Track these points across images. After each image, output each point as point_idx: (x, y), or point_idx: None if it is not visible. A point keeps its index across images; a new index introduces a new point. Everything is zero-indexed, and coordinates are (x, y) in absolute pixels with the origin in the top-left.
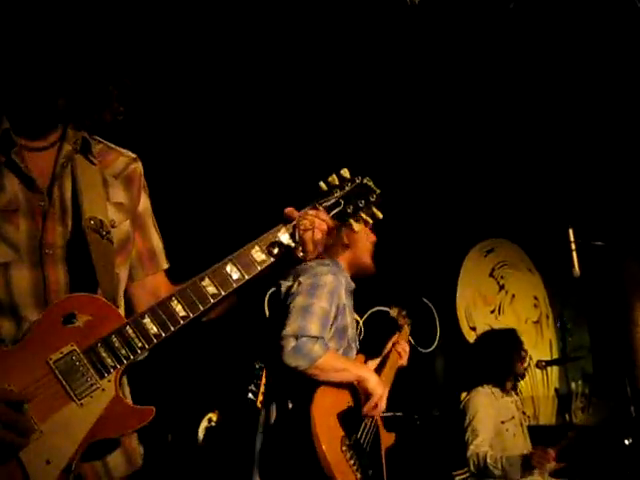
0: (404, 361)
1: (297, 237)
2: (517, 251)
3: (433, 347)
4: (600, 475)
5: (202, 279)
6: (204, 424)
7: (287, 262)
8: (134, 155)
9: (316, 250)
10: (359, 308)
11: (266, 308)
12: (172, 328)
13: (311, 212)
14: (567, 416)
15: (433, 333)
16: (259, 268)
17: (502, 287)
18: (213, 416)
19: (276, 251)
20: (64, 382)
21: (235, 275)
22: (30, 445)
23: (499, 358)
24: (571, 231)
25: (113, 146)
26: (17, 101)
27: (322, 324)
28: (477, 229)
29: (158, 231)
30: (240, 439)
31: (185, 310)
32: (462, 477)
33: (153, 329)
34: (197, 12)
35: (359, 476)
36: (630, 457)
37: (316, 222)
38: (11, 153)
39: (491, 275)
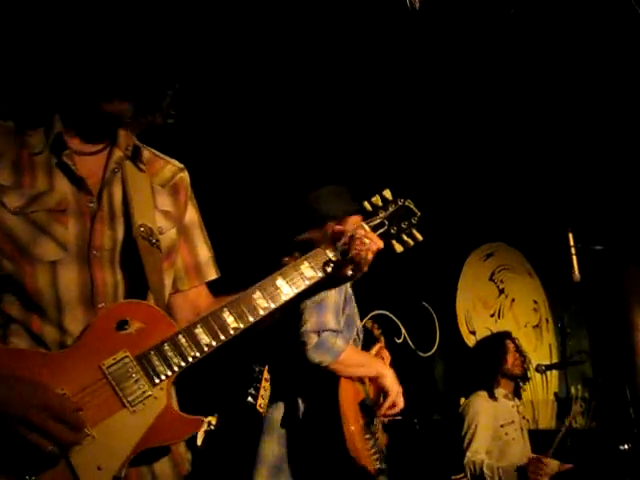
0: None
1: (349, 256)
2: (517, 255)
3: (433, 351)
4: None
5: (253, 292)
6: (203, 428)
7: (334, 280)
8: (181, 165)
9: (361, 268)
10: (359, 312)
11: None
12: (223, 338)
13: (360, 231)
14: (566, 420)
15: (433, 337)
16: (308, 283)
17: (502, 291)
18: (212, 420)
19: (325, 268)
20: (117, 388)
21: (285, 289)
22: (82, 450)
23: (483, 362)
24: (571, 235)
25: (160, 154)
26: (71, 106)
27: (336, 316)
28: (477, 233)
29: (208, 242)
30: (240, 443)
31: (236, 321)
32: None
33: (205, 339)
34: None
35: (377, 466)
36: (629, 462)
37: (367, 242)
38: (62, 155)
39: (491, 279)
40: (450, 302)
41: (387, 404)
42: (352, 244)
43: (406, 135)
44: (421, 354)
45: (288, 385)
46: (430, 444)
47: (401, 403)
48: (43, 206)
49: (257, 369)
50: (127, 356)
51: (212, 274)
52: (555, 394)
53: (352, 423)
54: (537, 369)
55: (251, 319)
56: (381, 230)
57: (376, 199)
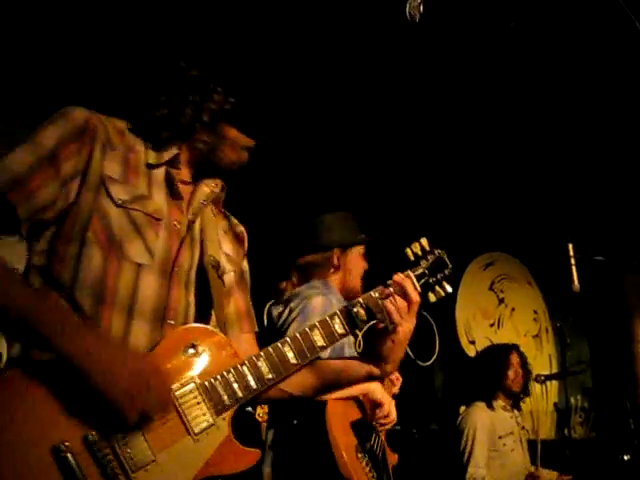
0: (396, 389)
1: (381, 305)
2: (517, 265)
3: (432, 360)
4: None
5: (312, 329)
6: None
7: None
8: (240, 223)
9: (405, 322)
10: None
11: (265, 319)
12: (283, 374)
13: (397, 278)
14: (566, 430)
15: (432, 346)
16: (360, 326)
17: (502, 301)
18: None
19: (377, 314)
20: (184, 415)
21: (340, 330)
22: (147, 476)
23: (484, 375)
24: (571, 246)
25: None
26: (201, 148)
27: None
28: (476, 242)
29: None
30: None
31: (296, 358)
32: None
33: (267, 373)
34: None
35: None
36: (629, 472)
37: (407, 288)
38: (172, 172)
39: (491, 289)
40: (449, 311)
41: (382, 414)
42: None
43: (407, 146)
44: (420, 363)
45: (284, 406)
46: (429, 454)
47: (394, 414)
48: (143, 208)
49: None
50: (194, 383)
51: (255, 328)
52: (555, 404)
53: (343, 446)
54: (536, 379)
55: (309, 356)
56: (422, 280)
57: (415, 248)
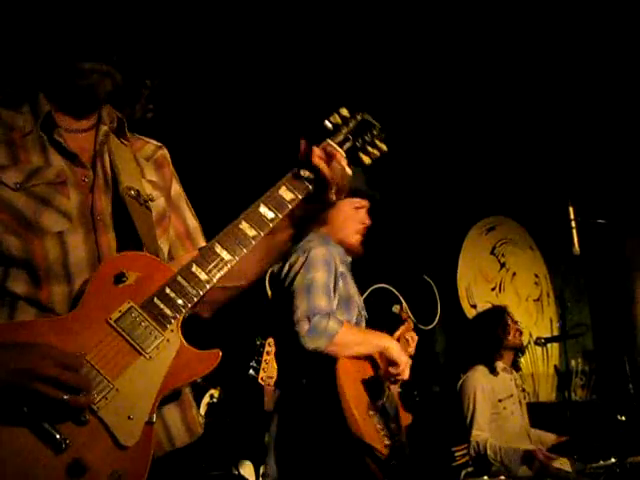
0: (412, 349)
1: (320, 173)
2: (518, 229)
3: (434, 324)
4: (597, 451)
5: (240, 223)
6: (206, 400)
7: (316, 203)
8: (159, 143)
9: (343, 185)
10: (360, 286)
11: (267, 285)
12: (221, 272)
13: (329, 148)
14: (566, 393)
15: (434, 310)
16: (290, 207)
17: (503, 265)
18: (215, 392)
19: (303, 188)
20: (129, 338)
21: (270, 215)
22: (109, 404)
23: (486, 335)
24: (571, 209)
25: (138, 135)
26: (53, 84)
27: (327, 296)
28: (478, 207)
29: (194, 213)
30: (241, 414)
31: (230, 254)
32: (462, 453)
33: (203, 275)
34: None
35: (386, 442)
36: (626, 433)
37: (338, 156)
38: (53, 133)
39: (492, 253)
40: (451, 276)
41: (395, 371)
42: (323, 160)
43: (411, 110)
44: (422, 327)
45: (293, 367)
46: (430, 416)
47: (407, 373)
48: (43, 179)
49: (259, 342)
50: (132, 306)
51: (202, 242)
52: (555, 367)
53: (353, 403)
54: (537, 342)
55: (244, 250)
56: (348, 145)
57: (334, 117)
